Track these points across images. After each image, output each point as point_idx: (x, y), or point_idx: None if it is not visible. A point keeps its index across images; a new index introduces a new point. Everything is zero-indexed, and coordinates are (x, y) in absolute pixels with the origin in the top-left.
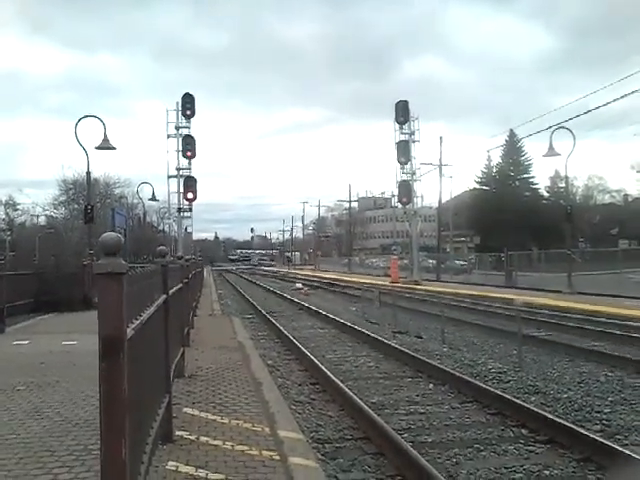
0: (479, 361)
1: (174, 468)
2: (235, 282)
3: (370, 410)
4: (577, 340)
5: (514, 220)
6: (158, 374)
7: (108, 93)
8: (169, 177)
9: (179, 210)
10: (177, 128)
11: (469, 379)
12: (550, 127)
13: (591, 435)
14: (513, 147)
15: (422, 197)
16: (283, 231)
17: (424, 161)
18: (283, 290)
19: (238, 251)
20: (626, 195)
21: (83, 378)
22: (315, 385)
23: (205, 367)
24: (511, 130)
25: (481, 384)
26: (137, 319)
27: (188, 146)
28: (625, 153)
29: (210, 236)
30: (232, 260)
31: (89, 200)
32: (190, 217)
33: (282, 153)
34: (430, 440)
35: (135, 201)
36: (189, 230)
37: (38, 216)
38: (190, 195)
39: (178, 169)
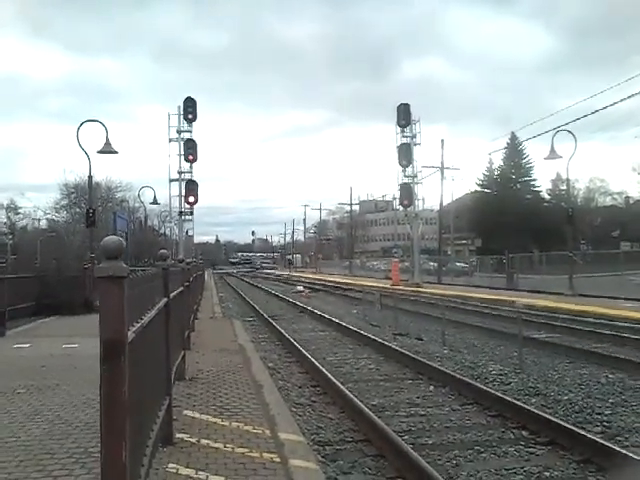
0: (480, 363)
1: (174, 470)
2: (236, 285)
3: (371, 412)
4: (578, 342)
5: (515, 222)
6: (159, 377)
7: (109, 97)
8: (171, 181)
9: (180, 213)
10: (179, 132)
11: (470, 381)
12: (552, 129)
13: (592, 437)
14: (514, 150)
15: (423, 200)
16: (284, 234)
17: (425, 164)
18: (284, 293)
19: (239, 254)
20: (627, 197)
21: (84, 381)
22: (316, 387)
23: (206, 370)
24: (512, 133)
25: (482, 386)
26: (138, 322)
27: (190, 150)
28: (627, 155)
29: (211, 239)
30: (233, 263)
31: (91, 204)
32: (191, 220)
33: (283, 156)
34: (431, 442)
35: (136, 205)
36: (190, 233)
37: (40, 220)
38: (191, 198)
39: (180, 173)
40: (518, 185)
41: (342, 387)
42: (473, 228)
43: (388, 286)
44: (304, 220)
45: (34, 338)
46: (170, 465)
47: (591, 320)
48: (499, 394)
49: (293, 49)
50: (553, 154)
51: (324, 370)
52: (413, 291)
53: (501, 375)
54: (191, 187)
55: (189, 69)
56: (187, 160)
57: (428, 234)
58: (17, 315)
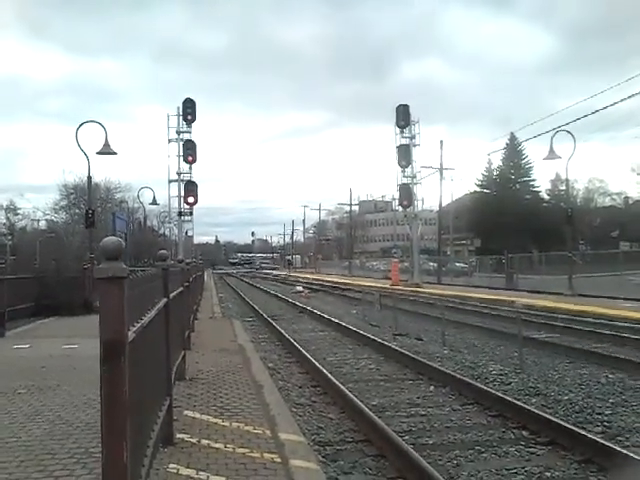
0: (480, 363)
1: (175, 471)
2: (236, 285)
3: (371, 412)
4: (578, 342)
5: (515, 223)
6: (159, 377)
7: (108, 97)
8: (170, 181)
9: (180, 214)
10: (178, 133)
11: (470, 381)
12: (551, 130)
13: (592, 437)
14: (514, 150)
15: (423, 200)
16: (284, 234)
17: (425, 164)
18: (284, 293)
19: (239, 254)
20: (627, 198)
21: (84, 382)
22: (316, 387)
23: (206, 370)
24: (512, 133)
25: (482, 386)
26: (138, 323)
27: (189, 151)
28: (626, 156)
29: (211, 240)
30: (233, 263)
31: (90, 204)
32: (191, 221)
33: (282, 157)
34: (431, 442)
35: (136, 205)
36: (190, 234)
37: (39, 220)
38: (191, 199)
39: (179, 173)
40: (517, 185)
41: (342, 387)
42: (472, 228)
43: (387, 286)
44: (303, 220)
45: (34, 339)
46: (171, 465)
47: (591, 320)
48: (499, 394)
49: (293, 50)
50: (552, 154)
51: (324, 370)
52: (413, 291)
53: (501, 375)
54: (190, 188)
55: (189, 70)
56: (186, 161)
57: (427, 234)
58: (16, 316)
